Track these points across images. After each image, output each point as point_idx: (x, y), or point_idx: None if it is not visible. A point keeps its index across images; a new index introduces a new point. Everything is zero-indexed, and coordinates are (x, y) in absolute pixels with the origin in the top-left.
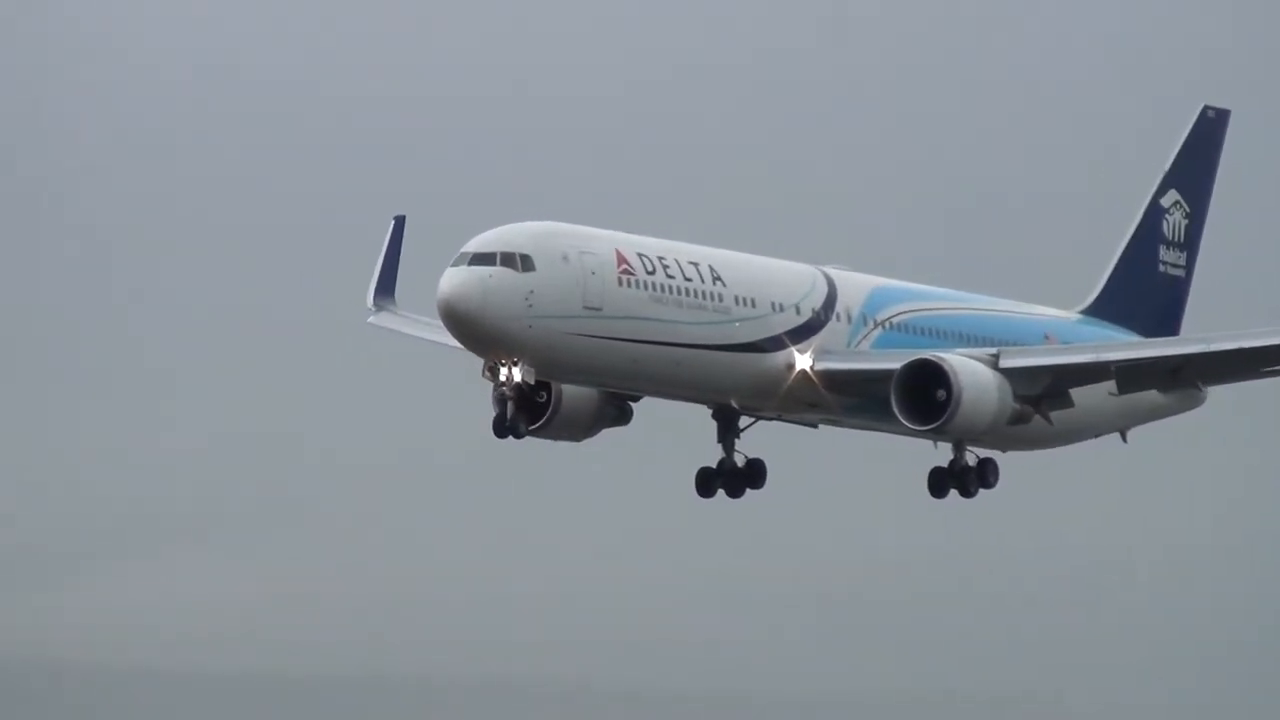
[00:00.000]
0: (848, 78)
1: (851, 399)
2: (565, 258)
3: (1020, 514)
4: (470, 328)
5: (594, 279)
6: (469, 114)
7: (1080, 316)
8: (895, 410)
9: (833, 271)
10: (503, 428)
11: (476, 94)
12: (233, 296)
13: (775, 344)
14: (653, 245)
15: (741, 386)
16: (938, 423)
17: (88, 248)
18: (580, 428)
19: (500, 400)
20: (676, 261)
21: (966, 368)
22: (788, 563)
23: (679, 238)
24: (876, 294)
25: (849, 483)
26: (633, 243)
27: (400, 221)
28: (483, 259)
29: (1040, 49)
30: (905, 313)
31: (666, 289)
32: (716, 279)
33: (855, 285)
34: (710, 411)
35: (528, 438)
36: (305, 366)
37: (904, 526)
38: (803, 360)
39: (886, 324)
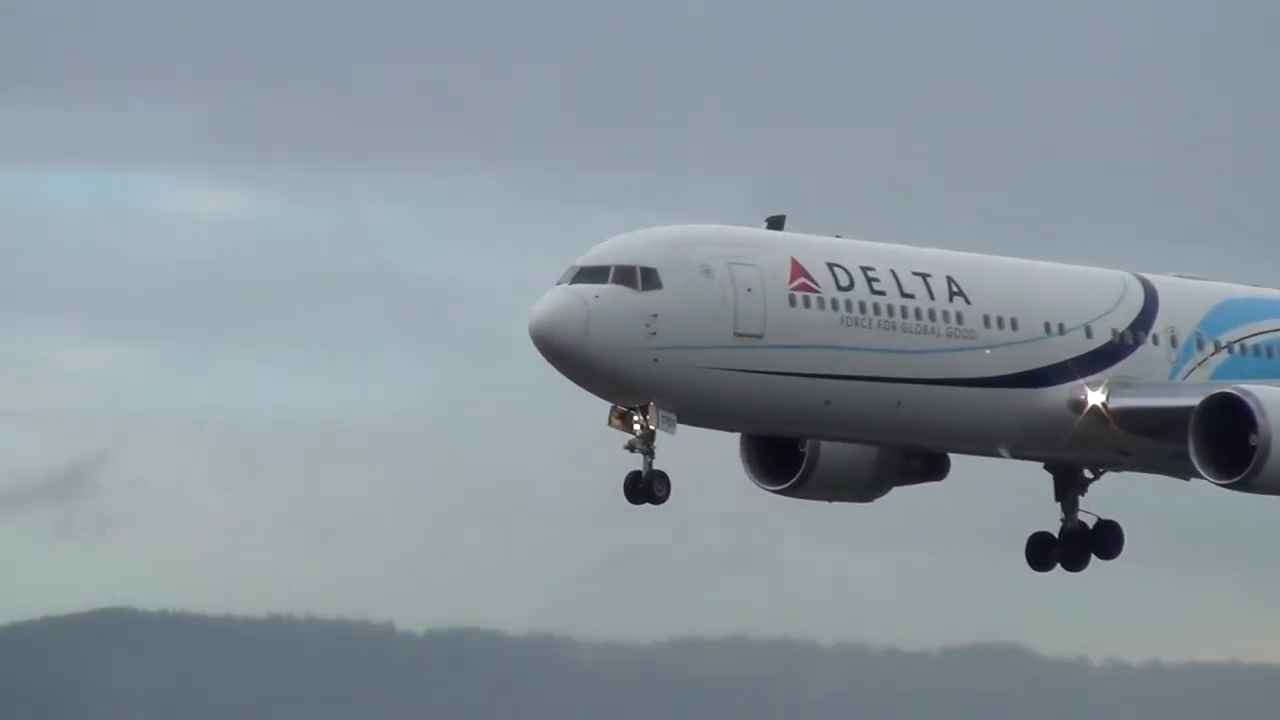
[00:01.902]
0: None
1: (1165, 444)
2: (708, 271)
3: None
4: (571, 364)
5: (750, 297)
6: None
7: None
8: (1192, 457)
9: (1159, 279)
10: (635, 490)
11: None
12: None
13: (1056, 375)
14: (857, 251)
15: (1005, 431)
16: (1239, 476)
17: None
18: (856, 486)
19: (644, 454)
20: (892, 272)
21: None
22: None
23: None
24: (1224, 308)
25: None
26: (822, 249)
27: (777, 224)
28: (592, 274)
29: None
30: (1267, 332)
31: (869, 308)
32: (955, 293)
33: (1190, 297)
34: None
35: (796, 497)
36: None
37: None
38: (1095, 396)
39: (1235, 347)
